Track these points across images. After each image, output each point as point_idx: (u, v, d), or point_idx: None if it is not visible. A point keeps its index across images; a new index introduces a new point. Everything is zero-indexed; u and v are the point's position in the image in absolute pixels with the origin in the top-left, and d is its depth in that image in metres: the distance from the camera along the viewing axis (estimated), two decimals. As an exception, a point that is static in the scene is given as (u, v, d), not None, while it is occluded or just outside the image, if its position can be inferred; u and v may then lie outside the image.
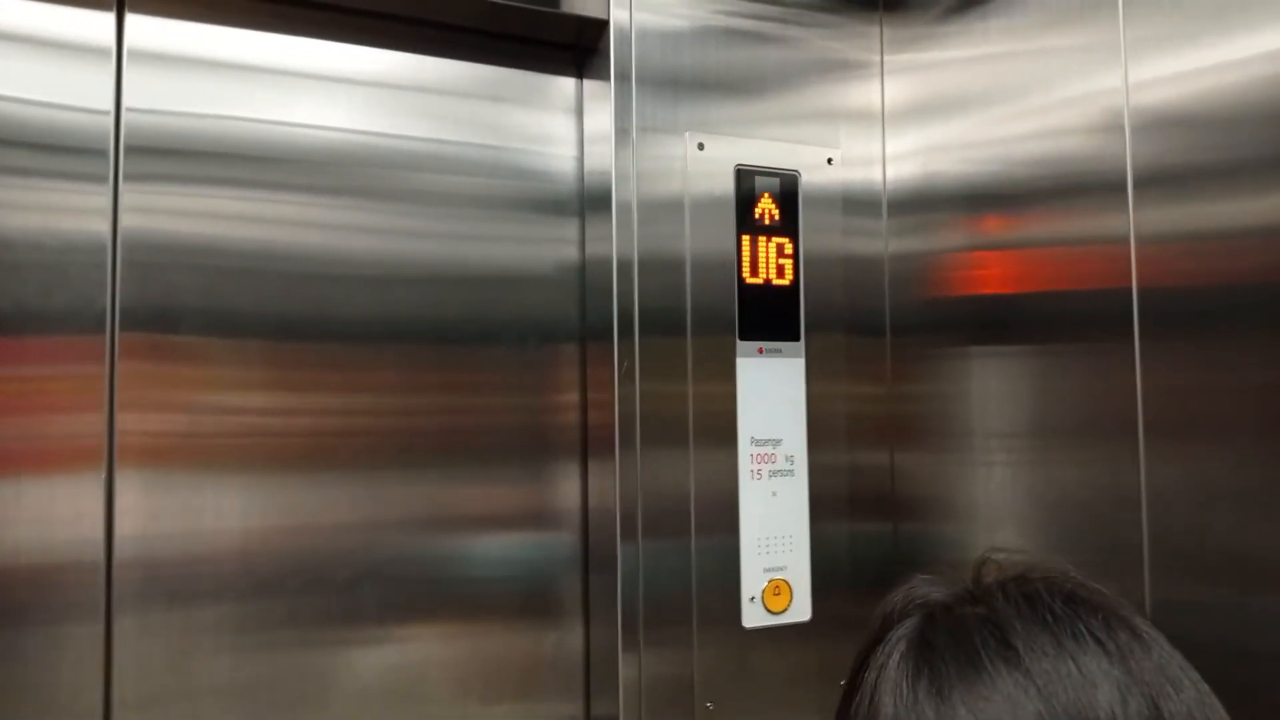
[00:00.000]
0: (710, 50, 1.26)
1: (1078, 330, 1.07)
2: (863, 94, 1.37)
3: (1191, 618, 0.93)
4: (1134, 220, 0.99)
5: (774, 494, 1.25)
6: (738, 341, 1.24)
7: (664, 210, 1.22)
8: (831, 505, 1.29)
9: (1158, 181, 0.98)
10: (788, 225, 1.28)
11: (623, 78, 1.21)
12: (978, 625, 0.52)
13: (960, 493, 1.25)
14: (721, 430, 1.23)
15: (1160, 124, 0.98)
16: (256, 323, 1.13)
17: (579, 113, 1.31)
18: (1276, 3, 0.88)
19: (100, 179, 1.06)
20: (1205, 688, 0.50)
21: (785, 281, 1.27)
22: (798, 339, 1.28)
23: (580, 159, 1.31)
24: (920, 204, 1.32)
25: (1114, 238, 1.01)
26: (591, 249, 1.28)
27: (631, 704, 1.16)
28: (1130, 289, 0.99)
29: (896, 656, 0.53)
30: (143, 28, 1.09)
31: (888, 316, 1.35)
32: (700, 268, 1.23)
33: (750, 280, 1.25)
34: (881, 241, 1.36)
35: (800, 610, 1.25)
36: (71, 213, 1.05)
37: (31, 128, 1.04)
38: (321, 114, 1.18)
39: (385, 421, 1.19)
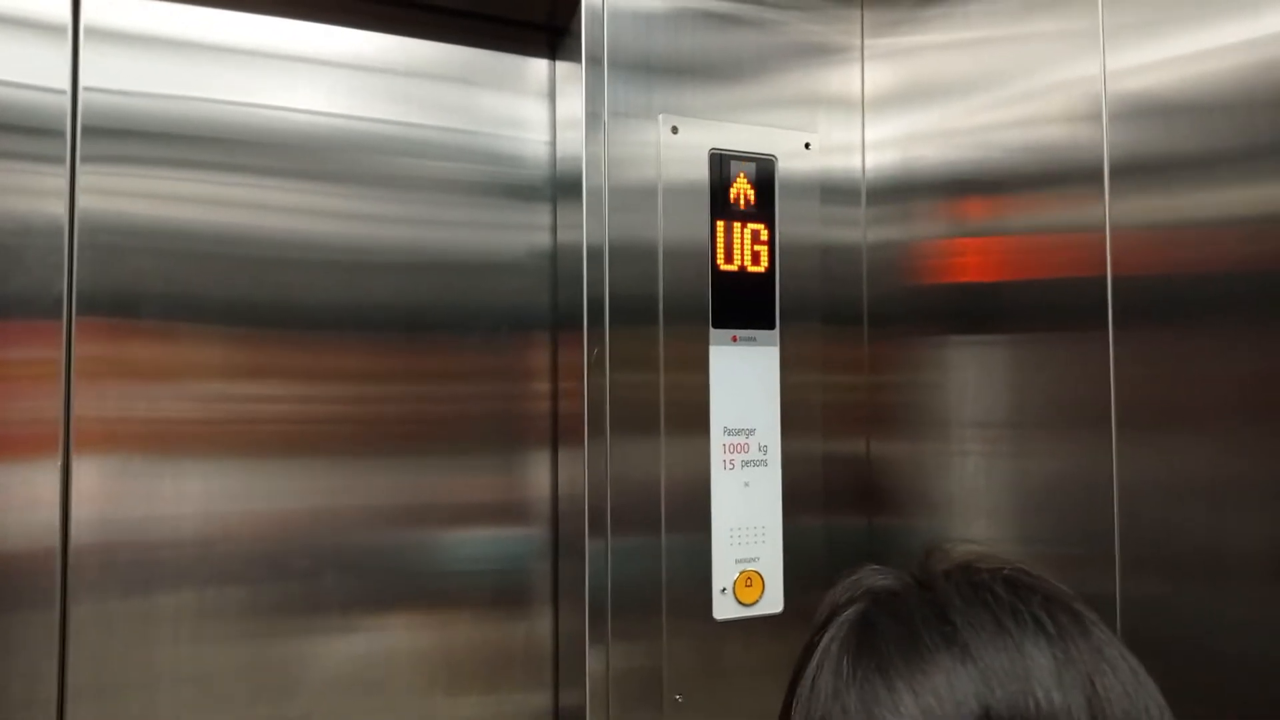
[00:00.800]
0: (685, 33, 1.23)
1: (1053, 320, 1.06)
2: (842, 79, 1.34)
3: (1160, 612, 0.92)
4: (1109, 209, 0.98)
5: (746, 484, 1.23)
6: (711, 329, 1.22)
7: (637, 196, 1.20)
8: (805, 496, 1.27)
9: (1134, 170, 0.96)
10: (763, 211, 1.26)
11: (594, 60, 1.18)
12: (919, 606, 0.53)
13: (937, 484, 1.24)
14: (693, 419, 1.21)
15: (1138, 112, 0.96)
16: (219, 308, 1.11)
17: (551, 96, 1.29)
18: (1255, -12, 0.86)
19: (57, 160, 1.04)
20: (1142, 670, 0.51)
21: (760, 269, 1.25)
22: (772, 327, 1.26)
23: (553, 143, 1.29)
24: (900, 191, 1.30)
25: (1089, 227, 1.00)
26: (563, 235, 1.26)
27: (599, 695, 1.15)
28: (1105, 278, 0.98)
29: (840, 638, 0.54)
30: (101, 5, 1.07)
31: (865, 305, 1.33)
32: (673, 254, 1.21)
33: (724, 267, 1.23)
34: (860, 229, 1.34)
35: (772, 602, 1.24)
36: (27, 194, 1.03)
37: (-15, 106, 1.02)
38: (287, 96, 1.16)
39: (352, 409, 1.17)
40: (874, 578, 0.58)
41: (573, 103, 1.22)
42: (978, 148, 1.17)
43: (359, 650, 1.15)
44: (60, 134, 1.04)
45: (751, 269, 1.25)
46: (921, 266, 1.26)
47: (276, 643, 1.11)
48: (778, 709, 0.57)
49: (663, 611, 1.18)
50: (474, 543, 1.23)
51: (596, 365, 1.17)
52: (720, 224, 1.23)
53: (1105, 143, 0.99)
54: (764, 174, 1.26)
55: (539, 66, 1.29)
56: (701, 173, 1.22)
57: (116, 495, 1.05)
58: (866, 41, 1.35)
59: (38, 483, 1.01)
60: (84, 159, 1.05)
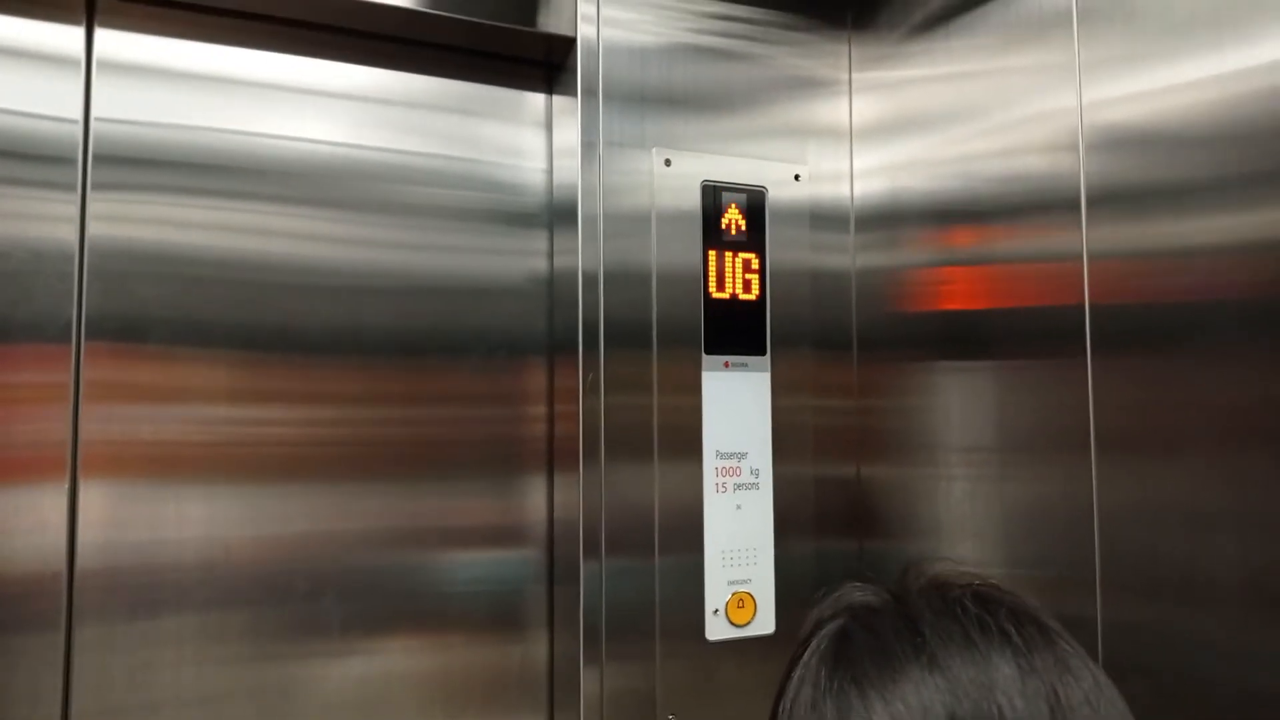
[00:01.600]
0: (678, 67, 1.27)
1: (1034, 346, 1.08)
2: (831, 111, 1.38)
3: (1140, 635, 0.94)
4: (1086, 238, 1.01)
5: (738, 507, 1.25)
6: (703, 355, 1.25)
7: (630, 224, 1.23)
8: (797, 518, 1.29)
9: (1110, 200, 0.99)
10: (754, 240, 1.29)
11: (589, 93, 1.22)
12: (893, 619, 0.55)
13: (925, 507, 1.26)
14: (686, 443, 1.24)
15: (1113, 144, 0.99)
16: (224, 333, 1.14)
17: (548, 126, 1.33)
18: (1224, 27, 0.90)
19: (68, 187, 1.07)
20: (1105, 680, 0.52)
21: (751, 296, 1.28)
22: (764, 353, 1.29)
23: (549, 172, 1.32)
24: (887, 220, 1.33)
25: (1067, 255, 1.02)
26: (559, 262, 1.30)
27: (593, 716, 1.16)
28: (1083, 306, 1.00)
29: (819, 652, 0.57)
30: (112, 40, 1.11)
31: (855, 331, 1.36)
32: (666, 281, 1.24)
33: (716, 295, 1.26)
34: (849, 256, 1.37)
35: (764, 623, 1.26)
36: (39, 220, 1.06)
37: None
38: (293, 126, 1.20)
39: (353, 432, 1.19)
40: (854, 594, 0.61)
41: (569, 134, 1.26)
42: (960, 177, 1.20)
43: (358, 672, 1.17)
44: (72, 162, 1.07)
45: (743, 296, 1.28)
46: (909, 293, 1.29)
47: (277, 665, 1.13)
48: (768, 726, 0.59)
49: (656, 633, 1.20)
50: (471, 565, 1.25)
51: (591, 390, 1.19)
52: (712, 253, 1.26)
53: (1082, 173, 1.02)
54: (755, 204, 1.30)
55: (536, 99, 1.33)
56: (694, 203, 1.26)
57: (122, 518, 1.07)
58: (854, 75, 1.39)
59: (45, 506, 1.03)
60: (94, 186, 1.09)
